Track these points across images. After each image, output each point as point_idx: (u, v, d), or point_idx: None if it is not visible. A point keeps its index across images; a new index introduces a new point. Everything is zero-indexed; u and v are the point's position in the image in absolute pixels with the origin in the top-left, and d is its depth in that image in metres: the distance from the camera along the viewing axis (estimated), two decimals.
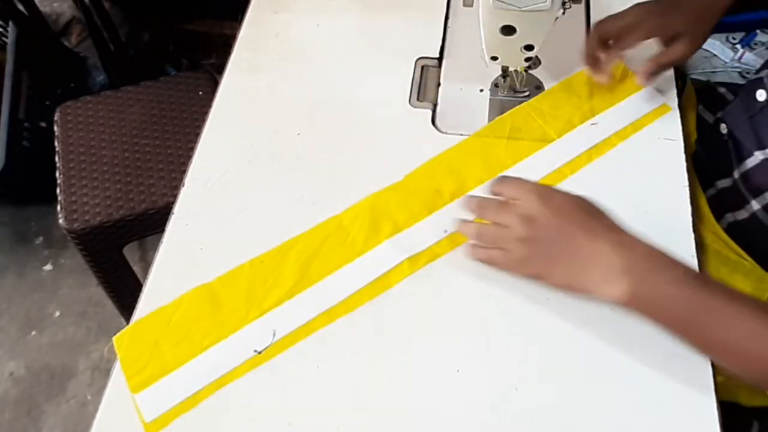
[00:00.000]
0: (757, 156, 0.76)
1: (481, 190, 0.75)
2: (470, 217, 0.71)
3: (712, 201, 0.83)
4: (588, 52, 0.81)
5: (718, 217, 0.82)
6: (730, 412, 0.66)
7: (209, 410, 0.65)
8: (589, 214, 0.65)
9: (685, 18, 0.78)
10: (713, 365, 0.65)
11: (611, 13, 0.80)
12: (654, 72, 0.80)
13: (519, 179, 0.68)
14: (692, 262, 0.71)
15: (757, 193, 0.77)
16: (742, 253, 0.80)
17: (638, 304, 0.60)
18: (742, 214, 0.79)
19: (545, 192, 0.66)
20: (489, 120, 0.85)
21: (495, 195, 0.69)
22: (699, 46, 0.79)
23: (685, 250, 0.72)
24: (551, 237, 0.64)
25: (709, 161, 0.85)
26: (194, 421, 0.65)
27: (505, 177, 0.69)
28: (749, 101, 0.77)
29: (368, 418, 0.64)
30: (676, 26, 0.78)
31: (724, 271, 0.78)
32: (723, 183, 0.82)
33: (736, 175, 0.79)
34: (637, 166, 0.79)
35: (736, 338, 0.58)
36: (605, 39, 0.80)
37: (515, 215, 0.65)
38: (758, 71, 0.81)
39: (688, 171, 0.77)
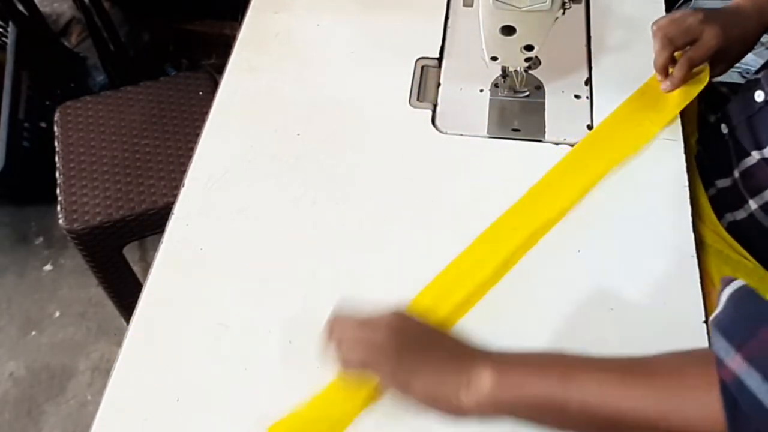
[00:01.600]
0: (755, 156, 0.76)
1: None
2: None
3: (713, 201, 0.83)
4: (661, 63, 0.79)
5: (719, 217, 0.82)
6: None
7: None
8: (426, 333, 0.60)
9: (740, 41, 0.79)
10: None
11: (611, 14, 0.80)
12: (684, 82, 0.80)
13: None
14: (692, 261, 0.71)
15: (754, 193, 0.77)
16: (744, 253, 0.80)
17: (502, 392, 0.54)
18: (740, 214, 0.79)
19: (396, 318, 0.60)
20: (489, 120, 0.85)
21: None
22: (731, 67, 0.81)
23: (685, 250, 0.72)
24: (399, 347, 0.58)
25: (709, 161, 0.85)
26: None
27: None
28: (747, 102, 0.77)
29: (368, 417, 0.64)
30: (731, 48, 0.79)
31: (726, 270, 0.78)
32: (723, 183, 0.82)
33: (736, 174, 0.79)
34: (638, 165, 0.79)
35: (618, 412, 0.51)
36: (673, 51, 0.79)
37: (359, 335, 0.60)
38: (757, 72, 0.81)
39: (689, 171, 0.77)
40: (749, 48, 0.81)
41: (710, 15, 0.78)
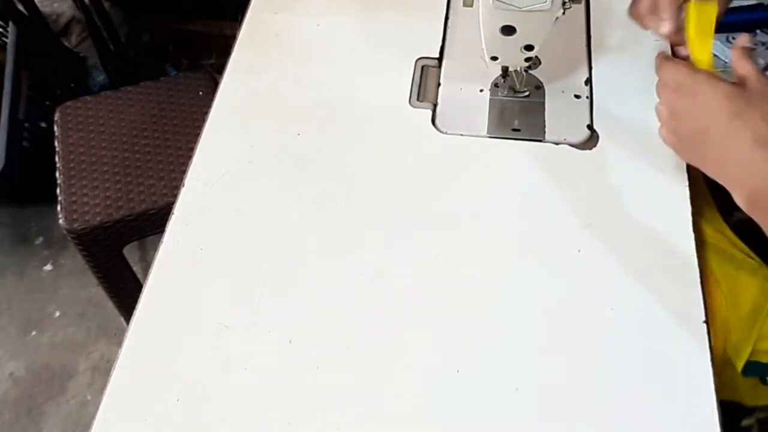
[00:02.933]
0: None
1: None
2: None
3: (719, 200, 0.82)
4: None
5: (726, 215, 0.81)
6: (731, 412, 0.66)
7: (204, 410, 0.65)
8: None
9: None
10: (713, 365, 0.65)
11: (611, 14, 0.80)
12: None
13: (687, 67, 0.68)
14: (692, 261, 0.71)
15: None
16: (749, 251, 0.79)
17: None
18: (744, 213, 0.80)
19: (712, 78, 0.65)
20: (489, 120, 0.85)
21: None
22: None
23: (685, 249, 0.72)
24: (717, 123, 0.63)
25: None
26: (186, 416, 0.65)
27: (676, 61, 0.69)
28: None
29: (368, 418, 0.64)
30: None
31: (730, 268, 0.78)
32: None
33: None
34: (638, 165, 0.79)
35: None
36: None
37: (683, 102, 0.65)
38: None
39: (689, 171, 0.77)
40: None
41: None
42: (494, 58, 0.81)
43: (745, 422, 0.85)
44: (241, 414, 0.65)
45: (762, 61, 0.82)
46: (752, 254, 0.79)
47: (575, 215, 0.75)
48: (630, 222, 0.73)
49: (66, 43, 1.88)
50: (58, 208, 1.17)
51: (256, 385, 0.67)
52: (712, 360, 0.65)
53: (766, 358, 0.77)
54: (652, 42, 0.80)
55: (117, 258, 1.26)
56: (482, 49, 0.80)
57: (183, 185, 0.81)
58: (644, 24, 0.77)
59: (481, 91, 0.88)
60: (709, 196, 0.83)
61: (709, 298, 0.74)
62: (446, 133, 0.84)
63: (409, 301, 0.71)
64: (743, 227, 0.80)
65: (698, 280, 0.70)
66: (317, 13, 0.97)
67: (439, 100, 0.87)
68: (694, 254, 0.72)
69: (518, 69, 0.83)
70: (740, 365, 0.76)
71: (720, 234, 0.80)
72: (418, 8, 0.96)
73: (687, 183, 0.76)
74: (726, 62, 1.28)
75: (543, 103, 0.86)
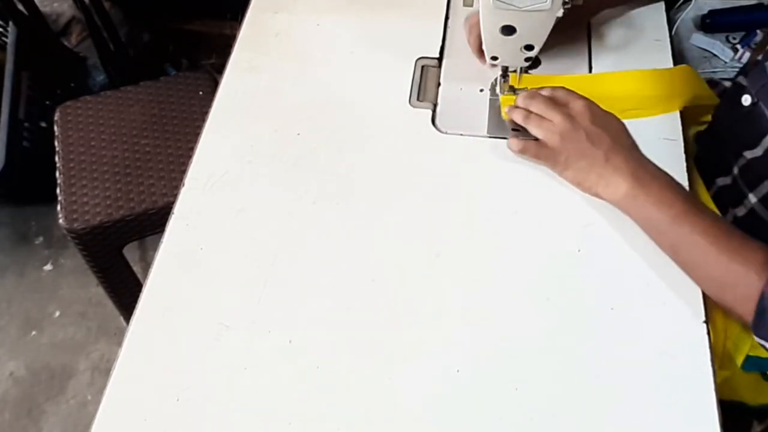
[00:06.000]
0: (746, 156, 0.77)
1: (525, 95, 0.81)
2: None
3: (714, 199, 0.83)
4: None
5: (725, 214, 0.82)
6: (731, 412, 0.66)
7: (206, 409, 0.65)
8: (623, 135, 0.77)
9: None
10: (713, 365, 0.65)
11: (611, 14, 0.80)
12: None
13: (570, 90, 0.79)
14: None
15: (752, 188, 0.77)
16: None
17: (627, 207, 0.72)
18: (741, 210, 0.79)
19: (592, 104, 0.77)
20: (489, 120, 0.85)
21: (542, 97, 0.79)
22: None
23: None
24: (583, 139, 0.74)
25: (705, 160, 0.86)
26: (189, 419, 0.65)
27: (556, 87, 0.80)
28: (735, 106, 0.78)
29: (368, 418, 0.64)
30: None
31: None
32: (722, 181, 0.82)
33: (735, 171, 0.79)
34: None
35: (694, 261, 0.69)
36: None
37: (561, 114, 0.76)
38: (736, 75, 0.81)
39: (689, 171, 0.77)
40: None
41: None
42: (494, 58, 0.81)
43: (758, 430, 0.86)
44: (241, 414, 0.65)
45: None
46: None
47: (575, 215, 0.75)
48: (630, 222, 0.73)
49: (66, 43, 1.88)
50: (58, 207, 1.17)
51: (256, 385, 0.67)
52: (712, 360, 0.65)
53: (766, 353, 0.77)
54: (652, 42, 0.80)
55: (117, 258, 1.26)
56: (482, 48, 0.80)
57: (183, 185, 0.81)
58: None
59: (481, 91, 0.88)
60: (707, 195, 0.83)
61: (707, 300, 0.74)
62: (446, 133, 0.84)
63: (409, 301, 0.71)
64: (740, 226, 0.80)
65: None
66: (317, 13, 0.97)
67: (439, 100, 0.87)
68: None
69: (518, 69, 0.83)
70: (740, 360, 0.76)
71: None
72: (418, 8, 0.96)
73: (687, 183, 0.76)
74: (726, 62, 1.28)
75: None
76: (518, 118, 0.79)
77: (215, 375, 0.68)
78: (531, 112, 0.78)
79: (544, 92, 0.80)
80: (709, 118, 0.88)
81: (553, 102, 0.78)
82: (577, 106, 0.76)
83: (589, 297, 0.70)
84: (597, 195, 0.74)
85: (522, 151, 0.78)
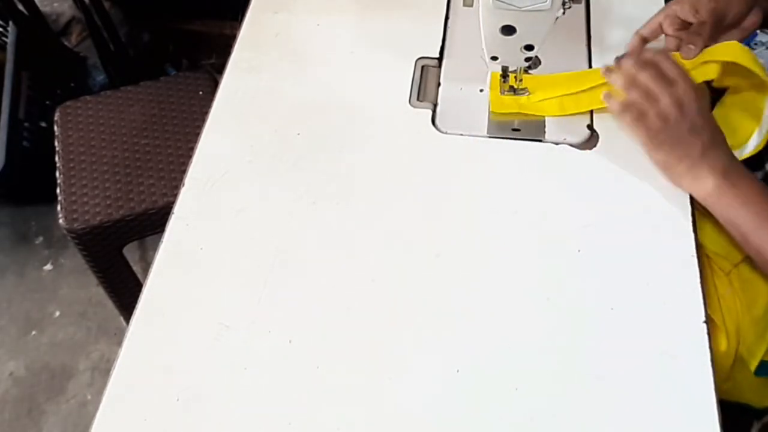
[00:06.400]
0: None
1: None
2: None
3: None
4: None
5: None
6: (731, 412, 0.66)
7: (206, 409, 0.65)
8: (720, 131, 0.73)
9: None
10: (713, 365, 0.65)
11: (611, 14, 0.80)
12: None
13: (679, 67, 0.73)
14: (692, 261, 0.71)
15: None
16: None
17: (713, 204, 0.71)
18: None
19: (699, 90, 0.73)
20: (489, 120, 0.85)
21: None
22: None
23: (685, 249, 0.72)
24: (685, 128, 0.71)
25: None
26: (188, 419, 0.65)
27: (663, 56, 0.74)
28: None
29: (368, 418, 0.64)
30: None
31: (743, 269, 0.78)
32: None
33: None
34: (638, 165, 0.79)
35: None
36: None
37: (670, 96, 0.71)
38: None
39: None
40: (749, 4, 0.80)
41: None
42: (494, 58, 0.81)
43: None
44: (241, 414, 0.65)
45: (762, 61, 0.82)
46: None
47: (575, 215, 0.75)
48: (630, 222, 0.73)
49: (66, 43, 1.88)
50: (58, 207, 1.17)
51: (256, 385, 0.67)
52: (712, 360, 0.65)
53: None
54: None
55: (117, 258, 1.26)
56: (482, 49, 0.80)
57: (183, 185, 0.81)
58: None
59: (481, 91, 0.88)
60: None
61: (723, 300, 0.74)
62: (446, 133, 0.84)
63: (409, 301, 0.71)
64: None
65: (698, 280, 0.70)
66: (317, 13, 0.97)
67: (439, 100, 0.87)
68: (695, 254, 0.72)
69: (518, 69, 0.83)
70: (754, 365, 0.76)
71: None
72: (418, 8, 0.96)
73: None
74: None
75: None
76: (621, 83, 0.73)
77: (215, 375, 0.68)
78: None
79: (654, 62, 0.73)
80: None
81: (663, 77, 0.72)
82: (686, 90, 0.71)
83: (589, 297, 0.70)
84: (680, 186, 0.73)
85: (621, 114, 0.73)
